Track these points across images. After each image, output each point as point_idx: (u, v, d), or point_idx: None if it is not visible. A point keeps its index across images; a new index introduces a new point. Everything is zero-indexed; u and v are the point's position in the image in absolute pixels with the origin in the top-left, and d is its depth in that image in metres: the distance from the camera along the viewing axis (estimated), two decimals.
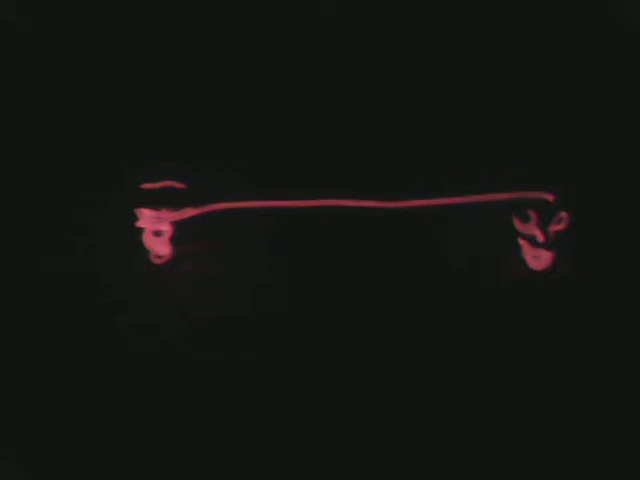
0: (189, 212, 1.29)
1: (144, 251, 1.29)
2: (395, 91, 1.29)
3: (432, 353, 1.28)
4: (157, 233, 1.29)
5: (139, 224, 1.28)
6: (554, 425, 1.27)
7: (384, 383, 1.28)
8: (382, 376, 1.28)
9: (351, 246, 1.29)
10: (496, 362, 1.29)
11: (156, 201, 1.28)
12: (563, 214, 1.31)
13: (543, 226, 1.31)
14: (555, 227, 1.31)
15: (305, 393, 1.27)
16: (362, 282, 1.30)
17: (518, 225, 1.31)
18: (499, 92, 1.31)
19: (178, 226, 1.29)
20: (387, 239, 1.29)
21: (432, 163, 1.30)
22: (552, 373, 1.29)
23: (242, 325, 1.26)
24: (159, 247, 1.29)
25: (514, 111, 1.31)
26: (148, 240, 1.29)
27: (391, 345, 1.28)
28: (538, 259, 1.31)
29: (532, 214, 1.31)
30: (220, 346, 1.26)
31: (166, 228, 1.30)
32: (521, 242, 1.32)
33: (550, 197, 1.30)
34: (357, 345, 1.28)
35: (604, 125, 1.31)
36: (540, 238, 1.31)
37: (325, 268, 1.28)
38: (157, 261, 1.29)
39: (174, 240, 1.29)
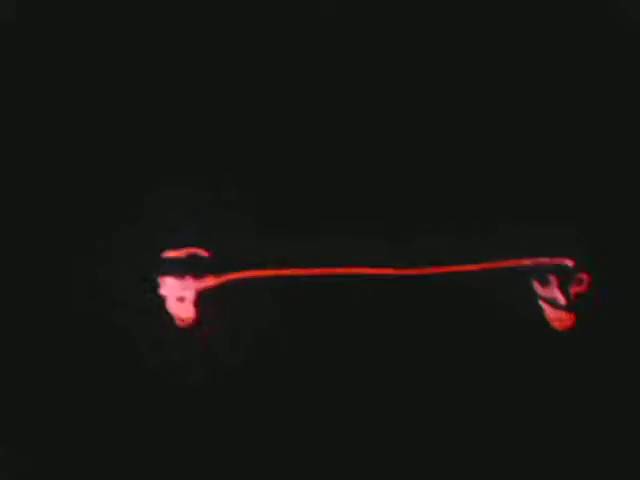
0: (211, 281, 1.29)
1: (168, 315, 1.29)
2: (406, 150, 1.29)
3: (455, 423, 1.29)
4: (180, 299, 1.30)
5: (162, 292, 1.28)
6: None
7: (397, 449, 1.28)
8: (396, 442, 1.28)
9: (370, 315, 1.29)
10: (518, 423, 1.30)
11: (180, 269, 1.28)
12: (583, 276, 1.31)
13: (564, 289, 1.31)
14: (576, 289, 1.32)
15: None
16: (381, 351, 1.30)
17: (538, 289, 1.32)
18: (512, 150, 1.31)
19: (201, 292, 1.30)
20: (405, 307, 1.29)
21: (451, 228, 1.30)
22: (573, 433, 1.30)
23: (253, 392, 1.27)
24: (183, 312, 1.30)
25: (530, 174, 1.32)
26: (172, 306, 1.29)
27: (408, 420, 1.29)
28: (560, 321, 1.32)
29: (552, 277, 1.31)
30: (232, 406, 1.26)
31: (190, 294, 1.30)
32: (542, 304, 1.32)
33: (570, 262, 1.31)
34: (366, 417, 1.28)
35: (622, 183, 1.32)
36: (561, 300, 1.32)
37: (341, 337, 1.29)
38: (181, 324, 1.29)
39: (197, 305, 1.29)
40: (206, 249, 1.30)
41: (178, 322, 1.30)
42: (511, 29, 1.23)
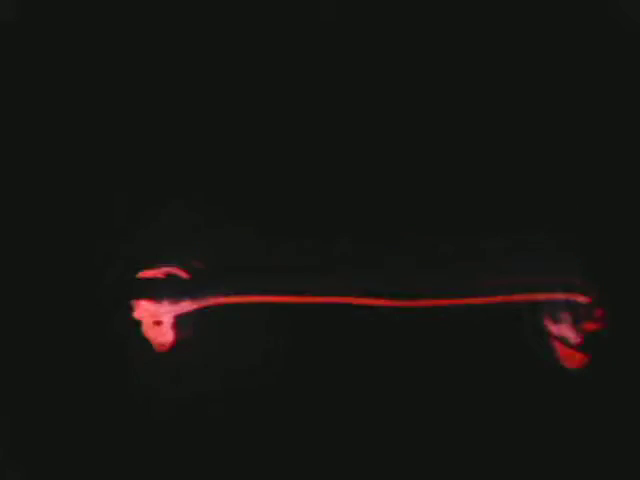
0: (190, 305, 1.19)
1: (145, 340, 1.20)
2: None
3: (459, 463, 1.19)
4: (157, 323, 1.19)
5: (136, 316, 1.18)
6: None
7: None
8: None
9: (359, 348, 1.20)
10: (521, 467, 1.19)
11: (156, 291, 1.18)
12: (598, 312, 1.21)
13: (576, 327, 1.21)
14: (589, 326, 1.21)
15: None
16: (370, 388, 1.20)
17: (550, 327, 1.21)
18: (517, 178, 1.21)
19: (180, 316, 1.20)
20: (400, 344, 1.20)
21: (458, 260, 1.21)
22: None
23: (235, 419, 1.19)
24: (160, 336, 1.20)
25: (542, 211, 1.22)
26: (148, 330, 1.19)
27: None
28: (571, 360, 1.21)
29: (565, 314, 1.21)
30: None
31: (167, 319, 1.19)
32: (554, 344, 1.21)
33: (585, 299, 1.20)
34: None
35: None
36: (573, 339, 1.21)
37: (324, 367, 1.20)
38: (160, 349, 1.20)
39: (175, 328, 1.20)
40: (185, 270, 1.20)
41: (156, 347, 1.20)
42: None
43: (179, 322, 1.20)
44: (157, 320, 1.19)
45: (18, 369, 1.18)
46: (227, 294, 1.19)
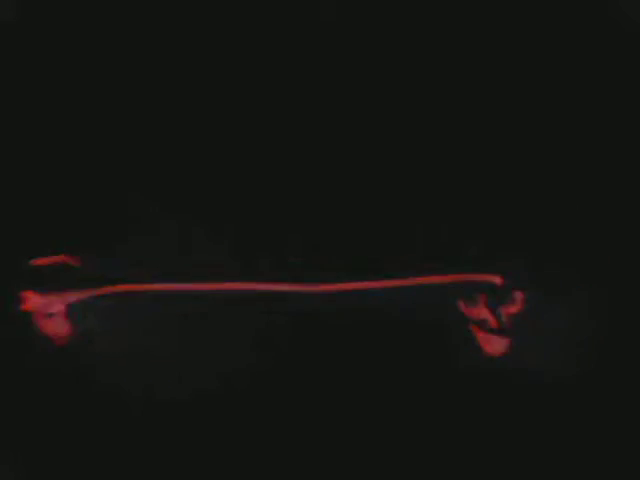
0: (81, 294, 1.12)
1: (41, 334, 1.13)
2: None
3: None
4: (49, 315, 1.12)
5: (25, 308, 1.11)
6: None
7: None
8: None
9: (264, 336, 1.13)
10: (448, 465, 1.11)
11: (44, 281, 1.11)
12: (517, 294, 1.14)
13: (493, 309, 1.14)
14: (508, 309, 1.14)
15: None
16: (282, 375, 1.13)
17: (464, 310, 1.14)
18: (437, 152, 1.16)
19: (73, 305, 1.13)
20: (309, 330, 1.13)
21: (359, 239, 1.15)
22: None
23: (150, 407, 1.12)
24: (55, 328, 1.13)
25: (450, 172, 1.16)
26: (41, 323, 1.12)
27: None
28: (491, 346, 1.14)
29: (479, 297, 1.14)
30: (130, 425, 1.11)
31: (59, 309, 1.12)
32: (471, 328, 1.14)
33: (498, 280, 1.13)
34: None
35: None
36: (492, 323, 1.14)
37: (235, 357, 1.13)
38: (58, 343, 1.13)
39: (71, 318, 1.13)
40: (76, 258, 1.13)
41: (53, 340, 1.13)
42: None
43: (74, 312, 1.13)
44: (49, 312, 1.13)
45: None
46: (122, 282, 1.12)
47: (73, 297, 1.13)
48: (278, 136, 1.13)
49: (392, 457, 1.12)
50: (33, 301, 1.12)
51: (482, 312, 1.14)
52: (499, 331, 1.13)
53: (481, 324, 1.14)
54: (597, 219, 1.15)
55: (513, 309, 1.14)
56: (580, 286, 1.13)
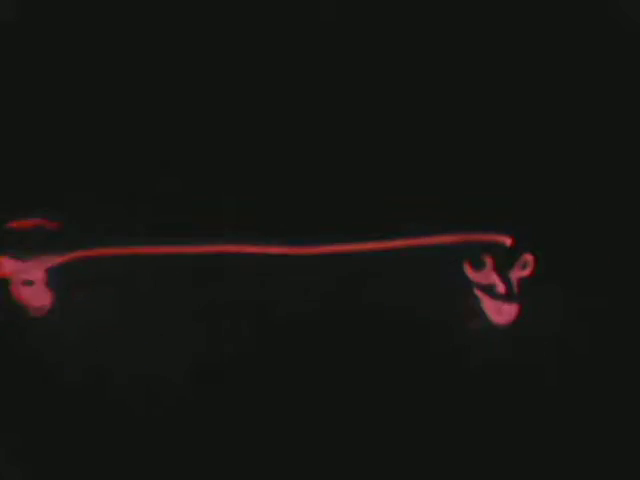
0: (62, 257, 1.06)
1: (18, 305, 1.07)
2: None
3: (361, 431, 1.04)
4: (28, 283, 1.06)
5: (2, 274, 1.05)
6: None
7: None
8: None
9: (250, 303, 1.07)
10: (450, 442, 1.04)
11: (19, 245, 1.05)
12: (527, 257, 1.06)
13: (502, 273, 1.06)
14: (518, 274, 1.06)
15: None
16: (265, 346, 1.06)
17: (471, 274, 1.06)
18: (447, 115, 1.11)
19: (52, 271, 1.06)
20: (301, 295, 1.06)
21: (358, 197, 1.08)
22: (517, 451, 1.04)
23: (140, 384, 1.06)
24: (34, 298, 1.06)
25: (460, 135, 1.10)
26: (19, 291, 1.06)
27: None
28: (499, 313, 1.06)
29: (487, 259, 1.06)
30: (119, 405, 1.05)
31: (37, 276, 1.06)
32: (478, 294, 1.06)
33: (507, 240, 1.05)
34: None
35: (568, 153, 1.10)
36: (500, 288, 1.06)
37: (218, 326, 1.07)
38: (37, 314, 1.06)
39: (51, 287, 1.07)
40: (53, 220, 1.07)
41: (32, 311, 1.07)
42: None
43: (53, 280, 1.07)
44: (27, 278, 1.06)
45: None
46: (100, 245, 1.06)
47: (52, 262, 1.06)
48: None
49: (396, 441, 1.05)
50: (9, 267, 1.05)
51: (490, 276, 1.06)
52: (508, 297, 1.05)
53: (489, 289, 1.06)
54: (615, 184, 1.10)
55: (523, 273, 1.06)
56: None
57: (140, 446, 1.04)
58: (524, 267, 1.06)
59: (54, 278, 1.06)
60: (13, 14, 1.09)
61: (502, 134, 1.10)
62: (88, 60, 1.10)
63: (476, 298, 1.07)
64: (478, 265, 1.06)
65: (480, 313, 1.06)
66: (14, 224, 1.06)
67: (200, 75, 1.10)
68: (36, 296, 1.07)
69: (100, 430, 1.05)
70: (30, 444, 1.05)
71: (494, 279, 1.06)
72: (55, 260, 1.06)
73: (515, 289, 1.06)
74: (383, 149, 1.10)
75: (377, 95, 1.10)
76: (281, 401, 1.05)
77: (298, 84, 1.10)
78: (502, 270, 1.06)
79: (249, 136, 1.10)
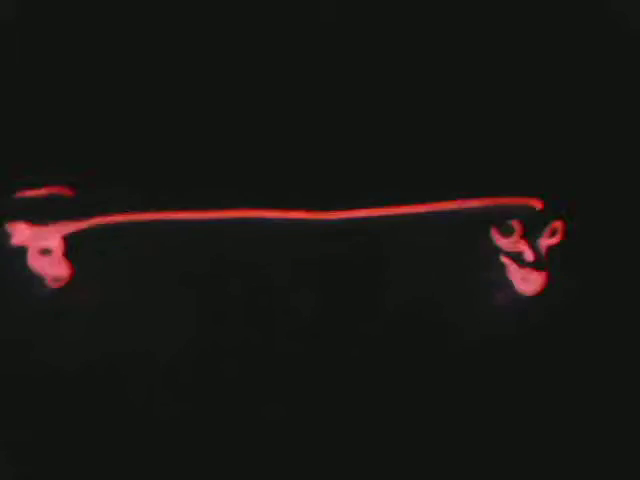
0: (81, 224, 1.04)
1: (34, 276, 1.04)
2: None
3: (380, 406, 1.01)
4: (45, 251, 1.04)
5: (16, 242, 1.03)
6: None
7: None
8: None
9: (278, 270, 1.03)
10: (474, 415, 1.00)
11: (36, 212, 1.03)
12: (557, 224, 1.02)
13: (531, 240, 1.02)
14: (547, 241, 1.03)
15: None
16: (294, 315, 1.03)
17: (498, 240, 1.03)
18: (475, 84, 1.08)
19: (71, 240, 1.04)
20: (322, 261, 1.03)
21: (380, 160, 1.05)
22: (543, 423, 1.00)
23: (158, 362, 1.02)
24: (52, 268, 1.04)
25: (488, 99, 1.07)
26: (35, 261, 1.04)
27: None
28: (527, 282, 1.02)
29: (515, 225, 1.02)
30: (135, 385, 1.02)
31: (55, 243, 1.04)
32: (504, 261, 1.03)
33: (537, 204, 1.02)
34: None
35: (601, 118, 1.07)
36: (528, 256, 1.02)
37: (248, 292, 1.03)
38: (55, 285, 1.04)
39: (70, 257, 1.04)
40: (70, 187, 1.05)
41: (50, 283, 1.04)
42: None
43: (73, 250, 1.05)
44: (44, 247, 1.04)
45: None
46: (119, 211, 1.03)
47: (70, 229, 1.04)
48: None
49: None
50: (25, 234, 1.03)
51: (518, 243, 1.02)
52: (536, 266, 1.02)
53: (516, 257, 1.02)
54: None
55: (553, 241, 1.02)
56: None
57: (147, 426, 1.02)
58: (554, 234, 1.02)
59: (72, 247, 1.04)
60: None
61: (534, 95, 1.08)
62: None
63: (502, 266, 1.03)
64: (506, 231, 1.02)
65: (506, 282, 1.03)
66: (28, 192, 1.04)
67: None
68: (53, 266, 1.04)
69: (107, 409, 1.02)
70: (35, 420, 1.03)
71: (522, 246, 1.03)
72: (73, 227, 1.04)
73: (544, 257, 1.02)
74: (402, 116, 1.07)
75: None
76: (289, 379, 1.02)
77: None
78: (531, 237, 1.02)
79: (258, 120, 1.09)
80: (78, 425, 1.01)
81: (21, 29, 1.09)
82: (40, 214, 1.03)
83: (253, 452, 1.00)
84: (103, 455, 1.00)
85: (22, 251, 1.04)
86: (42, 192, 1.04)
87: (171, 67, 1.08)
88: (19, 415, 1.01)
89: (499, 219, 1.03)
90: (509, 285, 1.03)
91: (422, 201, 1.02)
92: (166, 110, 1.08)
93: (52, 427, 1.01)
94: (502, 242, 1.03)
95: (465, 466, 0.99)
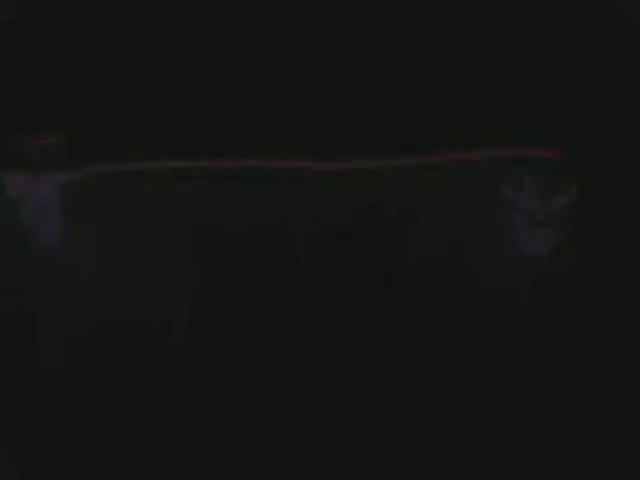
0: (76, 176, 1.00)
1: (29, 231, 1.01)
2: None
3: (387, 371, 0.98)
4: (41, 204, 1.01)
5: (12, 193, 1.00)
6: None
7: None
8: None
9: (279, 228, 1.00)
10: (473, 382, 0.98)
11: (28, 163, 1.00)
12: (571, 180, 0.96)
13: (544, 197, 0.97)
14: (560, 198, 0.98)
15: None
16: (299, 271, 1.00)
17: (509, 195, 0.98)
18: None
19: (69, 193, 1.00)
20: (325, 213, 0.99)
21: (381, 108, 1.01)
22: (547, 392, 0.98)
23: (160, 327, 1.00)
24: (48, 223, 1.01)
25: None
26: (31, 215, 1.01)
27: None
28: (537, 241, 0.98)
29: (528, 180, 0.97)
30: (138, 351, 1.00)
31: (49, 197, 1.01)
32: (515, 219, 0.98)
33: (553, 156, 0.96)
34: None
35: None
36: (540, 213, 0.97)
37: (256, 249, 1.00)
38: (51, 244, 1.01)
39: (68, 212, 1.01)
40: (67, 135, 1.01)
41: (43, 237, 1.01)
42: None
43: (70, 202, 1.01)
44: (39, 199, 1.01)
45: None
46: (120, 159, 1.00)
47: (65, 181, 1.01)
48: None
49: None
50: (17, 186, 1.00)
51: (530, 199, 0.98)
52: (549, 223, 0.97)
53: (528, 214, 0.98)
54: None
55: (566, 198, 0.97)
56: None
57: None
58: (567, 191, 0.97)
59: (68, 200, 1.01)
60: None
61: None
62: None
63: (514, 223, 0.99)
64: (518, 186, 0.98)
65: (517, 239, 0.98)
66: (23, 139, 1.01)
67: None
68: (49, 221, 1.01)
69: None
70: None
71: (534, 203, 0.98)
72: (69, 179, 1.01)
73: (558, 215, 0.97)
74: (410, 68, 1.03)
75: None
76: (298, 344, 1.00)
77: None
78: (544, 193, 0.97)
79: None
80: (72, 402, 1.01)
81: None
82: (33, 164, 1.00)
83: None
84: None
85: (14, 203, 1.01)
86: (37, 140, 1.01)
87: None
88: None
89: (513, 173, 0.98)
90: (520, 242, 0.98)
91: (433, 152, 0.97)
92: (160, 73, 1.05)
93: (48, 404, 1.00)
94: (512, 197, 0.98)
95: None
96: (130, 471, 0.99)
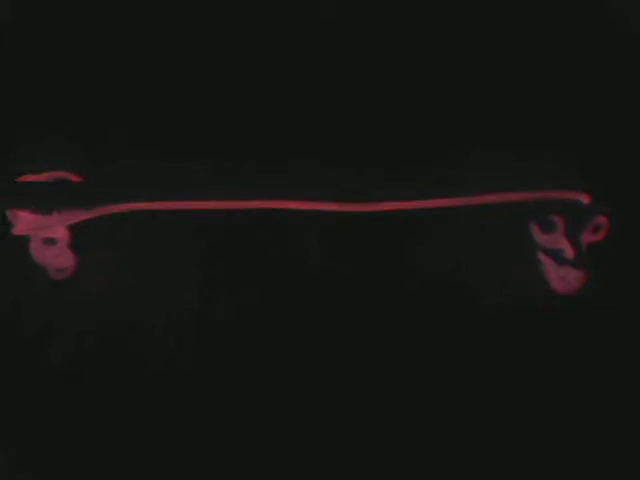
0: (84, 214, 0.97)
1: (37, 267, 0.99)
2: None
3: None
4: (50, 241, 0.97)
5: (18, 232, 0.96)
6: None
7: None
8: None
9: (299, 268, 0.99)
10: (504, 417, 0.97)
11: (41, 200, 0.96)
12: (601, 220, 0.96)
13: (573, 237, 0.97)
14: (590, 238, 0.97)
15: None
16: (321, 315, 0.99)
17: (538, 236, 0.97)
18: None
19: (76, 230, 0.98)
20: (353, 260, 0.99)
21: (417, 152, 1.00)
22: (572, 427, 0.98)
23: (162, 352, 0.99)
24: (56, 258, 0.98)
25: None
26: (39, 251, 0.97)
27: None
28: (565, 281, 0.97)
29: (558, 221, 0.97)
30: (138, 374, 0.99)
31: (60, 234, 0.97)
32: (542, 258, 0.97)
33: (585, 198, 0.96)
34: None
35: None
36: (569, 253, 0.97)
37: (262, 288, 0.99)
38: (58, 277, 0.98)
39: (75, 247, 0.99)
40: (76, 172, 0.98)
41: (53, 273, 0.98)
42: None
43: (78, 239, 0.98)
44: (48, 237, 0.98)
45: None
46: (131, 200, 0.96)
47: (76, 219, 0.97)
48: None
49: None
50: (28, 223, 0.96)
51: (559, 239, 0.97)
52: (576, 263, 0.97)
53: (555, 254, 0.97)
54: None
55: (595, 238, 0.97)
56: None
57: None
58: (597, 231, 0.97)
59: (78, 237, 0.98)
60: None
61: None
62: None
63: (539, 263, 0.98)
64: (547, 227, 0.97)
65: (542, 280, 0.98)
66: (32, 177, 0.97)
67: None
68: (57, 257, 0.98)
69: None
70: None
71: (562, 243, 0.97)
72: (80, 217, 0.97)
73: (584, 255, 0.97)
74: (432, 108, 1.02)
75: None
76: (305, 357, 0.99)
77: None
78: (572, 233, 0.97)
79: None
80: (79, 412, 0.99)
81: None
82: (45, 202, 0.96)
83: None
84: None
85: (24, 241, 0.98)
86: (46, 177, 0.97)
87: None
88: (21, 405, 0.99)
89: (541, 214, 0.97)
90: (546, 283, 0.98)
91: (462, 193, 0.96)
92: (172, 104, 1.03)
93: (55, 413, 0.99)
94: (542, 238, 0.97)
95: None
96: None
